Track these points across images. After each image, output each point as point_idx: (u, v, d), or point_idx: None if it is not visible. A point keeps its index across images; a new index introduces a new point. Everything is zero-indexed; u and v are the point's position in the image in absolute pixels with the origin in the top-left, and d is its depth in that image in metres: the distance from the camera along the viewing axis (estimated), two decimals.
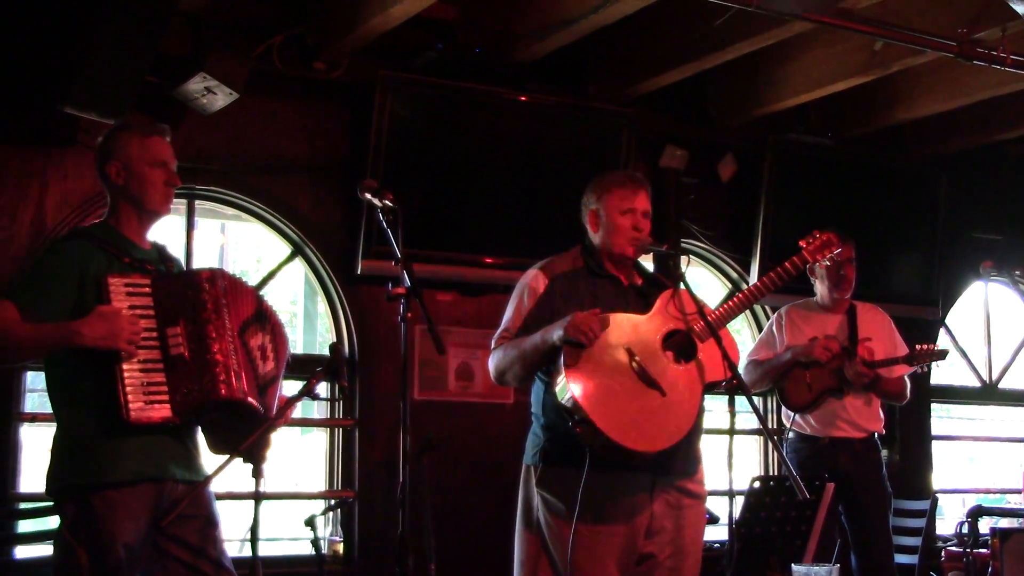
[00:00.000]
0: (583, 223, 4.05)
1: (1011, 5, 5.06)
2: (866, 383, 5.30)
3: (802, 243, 4.21)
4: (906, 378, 5.44)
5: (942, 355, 5.39)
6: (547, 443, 3.83)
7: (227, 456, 3.28)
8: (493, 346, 3.94)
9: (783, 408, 5.54)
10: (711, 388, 3.83)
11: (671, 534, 3.80)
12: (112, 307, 3.25)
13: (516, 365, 3.83)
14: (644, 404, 3.68)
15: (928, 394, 7.79)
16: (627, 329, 3.76)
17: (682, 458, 3.80)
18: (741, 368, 5.01)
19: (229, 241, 7.88)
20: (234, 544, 5.52)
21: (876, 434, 5.46)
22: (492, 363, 3.93)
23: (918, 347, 5.36)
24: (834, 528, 5.35)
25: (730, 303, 3.96)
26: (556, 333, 3.68)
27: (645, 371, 3.71)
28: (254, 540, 3.17)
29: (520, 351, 3.81)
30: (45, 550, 4.96)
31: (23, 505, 5.29)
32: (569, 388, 3.63)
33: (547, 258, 4.02)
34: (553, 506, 3.77)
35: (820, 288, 5.51)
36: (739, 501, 4.56)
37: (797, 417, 5.44)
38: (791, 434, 5.51)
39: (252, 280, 5.99)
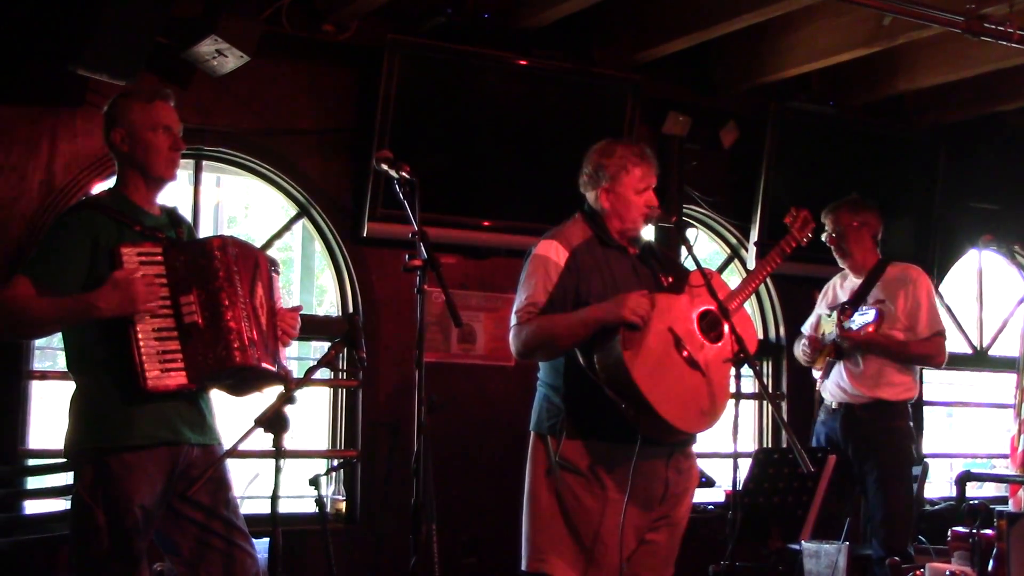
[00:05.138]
0: (583, 190, 4.01)
1: None
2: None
3: (787, 220, 4.26)
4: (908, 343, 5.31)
5: None
6: (569, 415, 3.81)
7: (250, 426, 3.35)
8: (516, 321, 3.81)
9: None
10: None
11: (679, 497, 3.93)
12: (124, 272, 3.28)
13: (553, 342, 3.77)
14: (690, 385, 3.74)
15: None
16: (667, 310, 3.77)
17: None
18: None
19: (224, 191, 7.87)
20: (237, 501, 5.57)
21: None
22: (519, 339, 3.80)
23: None
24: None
25: (745, 284, 4.04)
26: (611, 314, 3.67)
27: (690, 353, 3.76)
28: (274, 502, 3.25)
29: (559, 329, 3.75)
30: (54, 505, 5.06)
31: (32, 462, 5.34)
32: (628, 369, 3.62)
33: (555, 228, 3.98)
34: (575, 478, 3.79)
35: None
36: (742, 465, 4.60)
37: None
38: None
39: (258, 240, 6.02)
